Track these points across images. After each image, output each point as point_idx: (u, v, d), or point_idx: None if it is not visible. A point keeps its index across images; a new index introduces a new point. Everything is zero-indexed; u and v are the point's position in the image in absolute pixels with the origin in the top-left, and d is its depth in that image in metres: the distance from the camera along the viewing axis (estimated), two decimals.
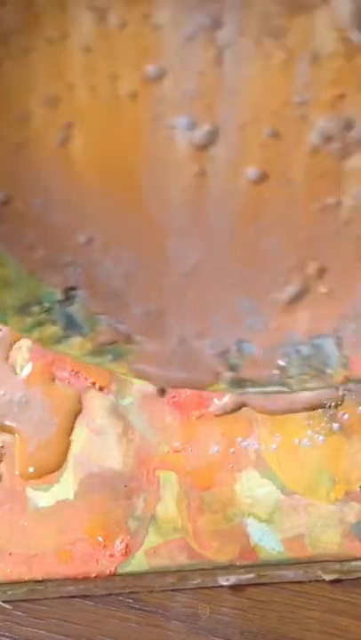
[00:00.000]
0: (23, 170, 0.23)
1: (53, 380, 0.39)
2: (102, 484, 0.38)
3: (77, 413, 0.39)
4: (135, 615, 0.36)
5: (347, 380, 0.26)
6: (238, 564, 0.37)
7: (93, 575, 0.36)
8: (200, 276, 0.25)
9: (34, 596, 0.37)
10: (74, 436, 0.38)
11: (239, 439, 0.38)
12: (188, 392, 0.39)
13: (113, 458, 0.38)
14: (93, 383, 0.39)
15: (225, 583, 0.37)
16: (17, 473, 0.38)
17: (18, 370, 0.39)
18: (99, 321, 0.26)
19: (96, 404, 0.39)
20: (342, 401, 0.39)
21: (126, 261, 0.25)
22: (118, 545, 0.37)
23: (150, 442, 0.38)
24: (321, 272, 0.25)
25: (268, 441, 0.38)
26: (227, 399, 0.39)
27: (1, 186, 0.23)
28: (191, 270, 0.25)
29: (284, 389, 0.26)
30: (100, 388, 0.39)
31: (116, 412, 0.39)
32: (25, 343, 0.40)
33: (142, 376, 0.26)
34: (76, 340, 0.26)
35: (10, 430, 0.38)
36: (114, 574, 0.36)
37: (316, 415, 0.39)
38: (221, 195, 0.23)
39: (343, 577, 0.37)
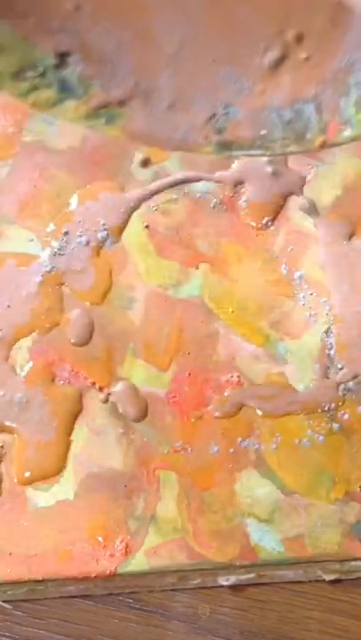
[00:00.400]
0: None
1: (53, 380, 0.39)
2: (102, 484, 0.38)
3: (77, 413, 0.39)
4: (135, 615, 0.36)
5: (324, 144, 0.27)
6: (238, 563, 0.37)
7: (93, 575, 0.36)
8: (186, 56, 0.27)
9: (34, 595, 0.37)
10: (74, 436, 0.38)
11: (239, 439, 0.38)
12: (188, 392, 0.39)
13: (113, 458, 0.38)
14: (93, 383, 0.39)
15: (225, 583, 0.37)
16: (15, 481, 0.37)
17: (18, 370, 0.39)
18: (92, 85, 0.27)
19: (96, 404, 0.39)
20: (343, 402, 0.39)
21: (117, 33, 0.27)
22: (118, 545, 0.37)
23: (150, 442, 0.38)
24: (299, 38, 0.27)
25: (268, 441, 0.38)
26: (226, 395, 0.39)
27: None
28: (177, 50, 0.27)
29: (267, 153, 0.28)
30: (100, 389, 0.39)
31: (116, 412, 0.39)
32: (25, 343, 0.40)
33: (134, 137, 0.28)
34: (71, 104, 0.27)
35: (10, 431, 0.38)
36: (114, 574, 0.36)
37: (316, 415, 0.39)
38: None
39: (343, 577, 0.37)
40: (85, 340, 0.40)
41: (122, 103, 0.28)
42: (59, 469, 0.38)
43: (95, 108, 0.28)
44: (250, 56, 0.27)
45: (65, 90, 0.28)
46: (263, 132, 0.28)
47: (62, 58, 0.27)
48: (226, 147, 0.28)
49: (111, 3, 0.26)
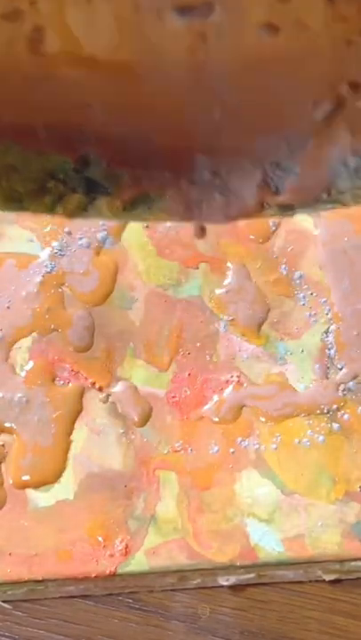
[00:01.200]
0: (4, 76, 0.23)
1: (53, 380, 0.39)
2: (102, 484, 0.38)
3: (77, 413, 0.39)
4: (135, 615, 0.36)
5: None
6: (238, 563, 0.37)
7: (93, 575, 0.36)
8: (224, 136, 0.25)
9: (34, 595, 0.37)
10: (74, 436, 0.38)
11: (239, 439, 0.38)
12: (188, 392, 0.39)
13: (113, 458, 0.38)
14: (93, 383, 0.39)
15: (225, 583, 0.37)
16: (10, 482, 0.37)
17: (18, 370, 0.39)
18: (121, 176, 0.25)
19: (96, 404, 0.39)
20: (344, 402, 0.39)
21: (135, 125, 0.24)
22: (118, 545, 0.37)
23: (150, 442, 0.38)
24: (354, 87, 0.24)
25: (268, 441, 0.38)
26: (225, 397, 0.39)
27: None
28: (212, 134, 0.25)
29: (337, 206, 0.26)
30: (100, 389, 0.39)
31: (116, 412, 0.39)
32: (25, 343, 0.40)
33: (185, 217, 0.25)
34: (103, 201, 0.25)
35: (10, 432, 0.38)
36: (114, 574, 0.36)
37: (316, 415, 0.39)
38: (225, 52, 0.23)
39: (343, 577, 0.37)
40: (86, 345, 0.40)
41: (159, 189, 0.25)
42: (58, 473, 0.38)
43: (130, 199, 0.26)
44: (297, 117, 0.25)
45: (93, 189, 0.25)
46: (329, 185, 0.26)
47: (81, 158, 0.25)
48: (289, 208, 0.26)
49: (123, 96, 0.24)
